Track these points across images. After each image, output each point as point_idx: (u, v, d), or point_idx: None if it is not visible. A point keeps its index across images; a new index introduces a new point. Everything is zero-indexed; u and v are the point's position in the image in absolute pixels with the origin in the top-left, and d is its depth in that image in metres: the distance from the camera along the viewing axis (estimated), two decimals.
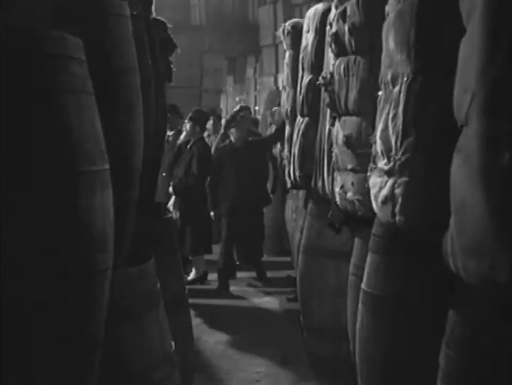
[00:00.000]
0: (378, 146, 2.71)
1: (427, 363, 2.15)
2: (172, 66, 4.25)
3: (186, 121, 8.01)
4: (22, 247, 1.90)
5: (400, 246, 2.70)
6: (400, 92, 2.52)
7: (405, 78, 2.49)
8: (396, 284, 2.70)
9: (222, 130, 9.02)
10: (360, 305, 2.93)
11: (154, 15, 3.95)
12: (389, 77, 2.66)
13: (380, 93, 2.80)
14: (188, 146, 7.76)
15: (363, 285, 2.92)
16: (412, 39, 2.42)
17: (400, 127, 2.49)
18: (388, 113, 2.61)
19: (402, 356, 2.65)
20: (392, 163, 2.55)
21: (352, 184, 3.50)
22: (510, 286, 1.56)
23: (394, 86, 2.60)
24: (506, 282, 1.56)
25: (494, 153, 1.58)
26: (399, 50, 2.52)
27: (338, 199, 3.76)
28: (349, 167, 3.55)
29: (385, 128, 2.62)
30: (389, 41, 2.62)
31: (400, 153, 2.48)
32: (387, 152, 2.61)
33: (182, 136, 8.09)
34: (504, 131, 1.57)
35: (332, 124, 3.95)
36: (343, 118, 3.71)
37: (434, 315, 2.20)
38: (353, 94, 3.51)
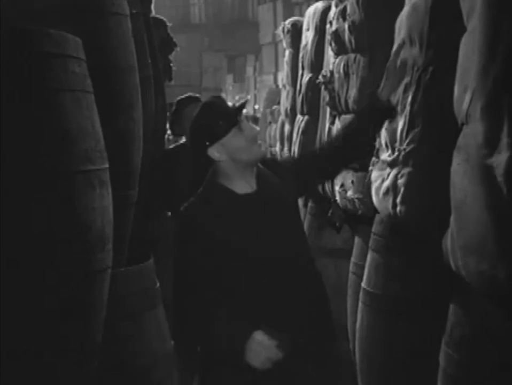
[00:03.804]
0: (383, 138, 2.70)
1: (427, 362, 2.15)
2: (172, 64, 4.25)
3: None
4: (21, 247, 1.90)
5: (400, 245, 2.70)
6: (410, 83, 2.50)
7: (415, 69, 2.47)
8: (396, 283, 2.69)
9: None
10: (360, 304, 2.92)
11: (153, 13, 3.95)
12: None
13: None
14: None
15: (363, 284, 2.92)
16: (426, 31, 2.41)
17: (407, 117, 2.48)
18: (396, 104, 2.60)
19: (401, 356, 2.64)
20: (396, 154, 2.53)
21: (352, 182, 3.49)
22: (509, 285, 1.55)
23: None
24: (505, 280, 1.55)
25: (494, 151, 1.57)
26: (411, 42, 2.51)
27: (338, 197, 3.75)
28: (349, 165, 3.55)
29: (392, 120, 2.61)
30: (401, 33, 2.60)
31: (405, 143, 2.47)
32: (391, 143, 2.59)
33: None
34: (504, 130, 1.56)
35: (332, 123, 3.95)
36: (343, 116, 3.70)
37: (434, 314, 2.20)
38: (353, 93, 3.50)
